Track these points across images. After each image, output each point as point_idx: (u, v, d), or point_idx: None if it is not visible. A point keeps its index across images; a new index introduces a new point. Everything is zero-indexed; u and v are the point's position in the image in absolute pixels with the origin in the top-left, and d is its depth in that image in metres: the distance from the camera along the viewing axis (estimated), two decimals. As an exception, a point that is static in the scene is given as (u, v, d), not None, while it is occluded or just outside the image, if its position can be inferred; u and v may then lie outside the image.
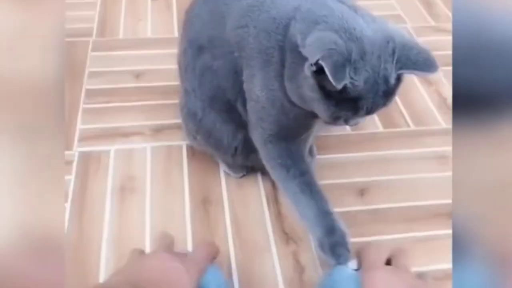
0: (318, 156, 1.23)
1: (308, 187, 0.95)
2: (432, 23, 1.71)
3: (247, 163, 1.13)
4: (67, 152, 1.21)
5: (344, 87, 0.78)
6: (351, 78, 0.78)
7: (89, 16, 1.69)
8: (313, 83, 0.82)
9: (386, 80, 0.81)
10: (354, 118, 0.85)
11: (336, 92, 0.79)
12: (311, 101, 0.85)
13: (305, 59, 0.81)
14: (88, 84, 1.41)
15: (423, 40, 1.61)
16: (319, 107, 0.85)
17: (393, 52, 0.80)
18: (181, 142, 1.24)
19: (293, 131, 0.98)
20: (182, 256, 0.83)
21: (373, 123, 1.33)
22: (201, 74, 1.02)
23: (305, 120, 0.96)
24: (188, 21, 1.05)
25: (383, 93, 0.82)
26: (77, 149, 1.22)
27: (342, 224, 0.92)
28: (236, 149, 1.08)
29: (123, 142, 1.25)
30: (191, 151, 1.22)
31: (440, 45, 1.59)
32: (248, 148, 1.05)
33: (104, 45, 1.57)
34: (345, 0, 0.87)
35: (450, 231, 1.06)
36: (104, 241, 1.04)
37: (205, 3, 1.01)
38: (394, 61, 0.80)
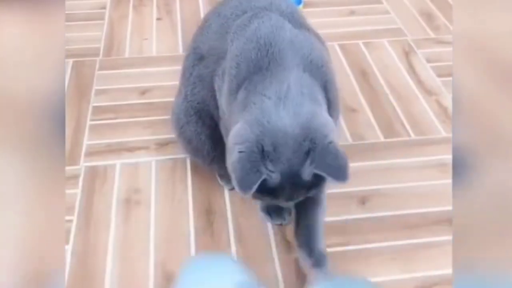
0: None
1: None
2: (432, 35, 1.73)
3: (221, 172, 1.16)
4: (74, 167, 1.24)
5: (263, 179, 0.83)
6: (269, 170, 0.82)
7: (96, 37, 1.74)
8: None
9: (299, 175, 0.84)
10: (275, 203, 0.89)
11: None
12: None
13: None
14: (95, 102, 1.45)
15: (424, 52, 1.63)
16: None
17: (309, 151, 0.83)
18: (185, 156, 1.26)
19: None
20: None
21: (374, 133, 1.35)
22: (194, 82, 1.08)
23: None
24: (200, 28, 1.11)
25: (301, 186, 0.85)
26: (84, 163, 1.26)
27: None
28: (213, 158, 1.12)
29: (129, 156, 1.28)
30: (195, 164, 1.25)
31: (440, 56, 1.62)
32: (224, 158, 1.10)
33: (111, 64, 1.61)
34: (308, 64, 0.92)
35: (450, 238, 1.07)
36: (110, 253, 1.06)
37: (219, 16, 1.06)
38: (309, 160, 0.83)
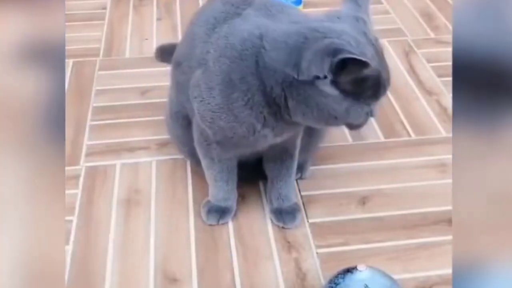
0: (321, 166, 1.25)
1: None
2: (432, 35, 1.74)
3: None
4: (74, 167, 1.24)
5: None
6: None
7: (96, 37, 1.74)
8: (337, 93, 0.85)
9: None
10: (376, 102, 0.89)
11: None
12: (334, 115, 0.88)
13: (311, 83, 0.85)
14: (95, 102, 1.45)
15: (424, 52, 1.64)
16: (349, 112, 0.88)
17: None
18: (185, 156, 1.27)
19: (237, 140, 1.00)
20: None
21: (374, 133, 1.35)
22: (172, 87, 1.13)
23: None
24: (184, 34, 1.15)
25: None
26: (84, 164, 1.26)
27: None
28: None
29: (129, 156, 1.28)
30: (195, 164, 1.25)
31: (440, 56, 1.62)
32: None
33: (111, 64, 1.61)
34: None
35: (450, 237, 1.07)
36: (110, 253, 1.06)
37: (191, 23, 1.09)
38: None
